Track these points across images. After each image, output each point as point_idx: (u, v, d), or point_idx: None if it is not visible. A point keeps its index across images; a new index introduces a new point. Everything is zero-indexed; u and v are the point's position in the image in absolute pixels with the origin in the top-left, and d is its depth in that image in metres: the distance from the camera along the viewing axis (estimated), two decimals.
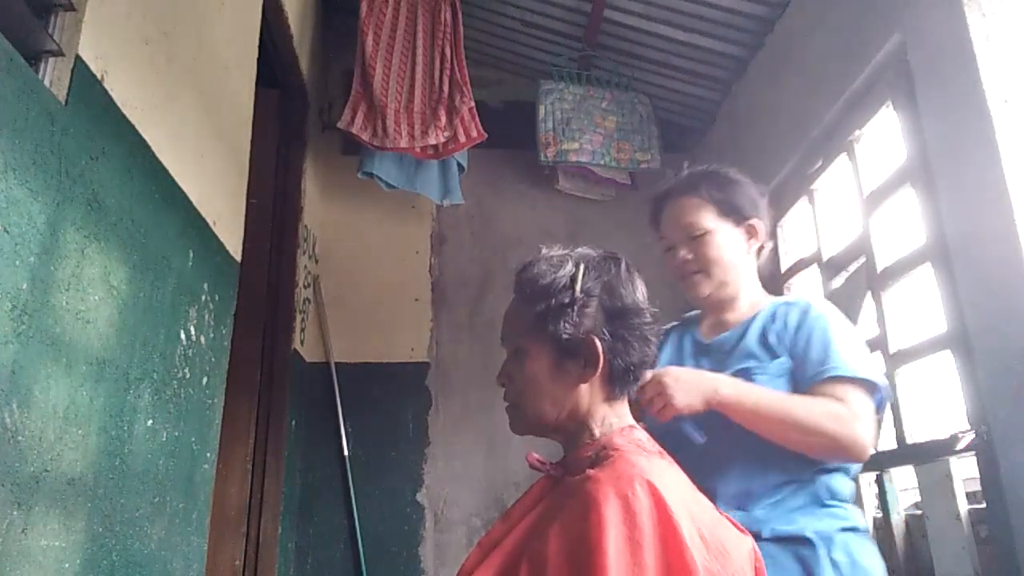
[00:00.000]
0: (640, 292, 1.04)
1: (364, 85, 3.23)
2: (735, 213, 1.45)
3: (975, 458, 1.88)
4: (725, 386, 1.25)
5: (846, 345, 1.33)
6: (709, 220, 1.44)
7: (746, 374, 1.34)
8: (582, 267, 1.01)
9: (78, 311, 1.31)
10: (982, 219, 1.83)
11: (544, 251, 1.07)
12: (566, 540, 0.84)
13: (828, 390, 1.27)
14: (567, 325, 0.98)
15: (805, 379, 1.31)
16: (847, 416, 1.23)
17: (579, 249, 1.07)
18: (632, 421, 1.04)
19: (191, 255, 1.84)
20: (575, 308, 0.99)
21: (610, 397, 1.02)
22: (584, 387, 1.00)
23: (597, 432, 1.00)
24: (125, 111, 1.49)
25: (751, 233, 1.47)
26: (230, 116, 2.18)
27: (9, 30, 1.14)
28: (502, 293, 1.11)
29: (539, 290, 1.01)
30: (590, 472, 0.90)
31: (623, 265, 1.05)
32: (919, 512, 2.13)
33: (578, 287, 0.99)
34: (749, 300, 1.49)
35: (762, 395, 1.26)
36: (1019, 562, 1.70)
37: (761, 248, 1.51)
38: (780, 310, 1.42)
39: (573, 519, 0.85)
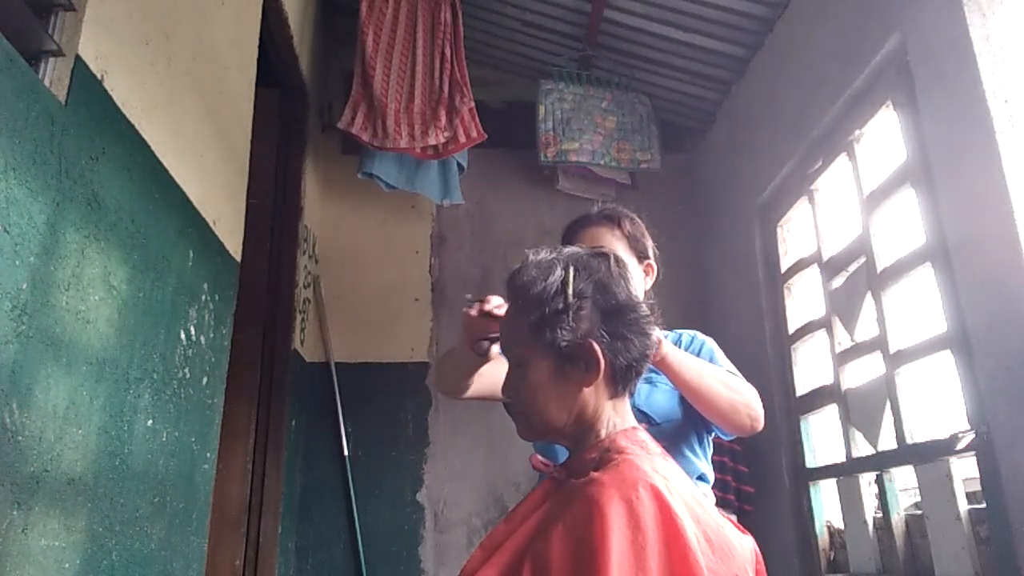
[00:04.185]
0: (632, 286, 1.03)
1: (364, 85, 3.23)
2: (639, 252, 1.60)
3: (975, 458, 1.88)
4: (668, 345, 1.39)
5: (725, 359, 1.58)
6: (621, 252, 1.56)
7: (650, 382, 1.52)
8: (572, 269, 1.00)
9: (78, 311, 1.31)
10: (982, 219, 1.83)
11: (531, 255, 1.04)
12: (570, 543, 0.84)
13: None
14: (564, 332, 0.97)
15: None
16: (752, 391, 1.47)
17: (566, 249, 1.05)
18: (635, 422, 1.04)
19: (191, 255, 1.84)
20: (570, 314, 0.97)
21: (614, 396, 1.01)
22: (588, 390, 0.99)
23: (602, 433, 1.00)
24: (125, 111, 1.49)
25: (648, 272, 1.62)
26: (230, 116, 2.18)
27: (9, 30, 1.14)
28: (502, 293, 1.10)
29: (532, 299, 1.00)
30: (594, 475, 0.90)
31: (612, 261, 1.03)
32: (919, 512, 2.13)
33: (570, 291, 0.98)
34: None
35: (708, 369, 1.44)
36: (1019, 562, 1.70)
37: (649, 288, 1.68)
38: (673, 338, 1.61)
39: (577, 522, 0.85)
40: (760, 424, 1.46)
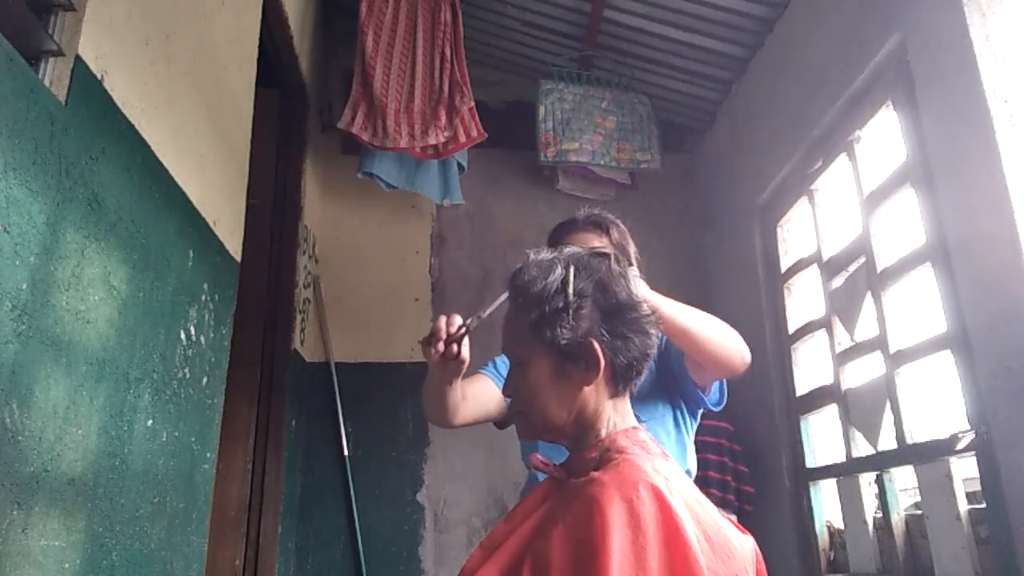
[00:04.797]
0: (634, 285, 1.03)
1: (364, 85, 3.23)
2: (625, 259, 1.60)
3: (975, 458, 1.88)
4: (655, 295, 1.36)
5: None
6: None
7: None
8: (572, 269, 1.00)
9: (78, 311, 1.31)
10: (982, 219, 1.83)
11: (532, 255, 1.05)
12: (570, 542, 0.84)
13: None
14: (564, 330, 0.97)
15: (680, 361, 1.51)
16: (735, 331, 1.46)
17: (567, 250, 1.06)
18: (635, 422, 1.04)
19: (191, 255, 1.84)
20: (570, 312, 0.97)
21: (614, 395, 1.01)
22: (589, 389, 0.99)
23: (602, 433, 1.00)
24: (125, 111, 1.49)
25: None
26: (230, 116, 2.18)
27: (9, 30, 1.14)
28: (502, 293, 1.10)
29: (532, 298, 1.00)
30: (594, 475, 0.90)
31: (612, 260, 1.03)
32: (919, 512, 2.13)
33: (570, 290, 0.98)
34: None
35: (692, 310, 1.40)
36: (1019, 562, 1.70)
37: None
38: None
39: (577, 522, 0.85)
40: (748, 358, 1.45)
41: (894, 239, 2.32)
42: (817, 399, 2.68)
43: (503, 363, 1.64)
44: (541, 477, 1.40)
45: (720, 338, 1.41)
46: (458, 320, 1.21)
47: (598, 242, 1.56)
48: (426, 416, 1.54)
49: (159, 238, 1.65)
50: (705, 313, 1.45)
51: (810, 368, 2.82)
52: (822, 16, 2.60)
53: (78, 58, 1.31)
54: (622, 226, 1.64)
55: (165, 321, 1.68)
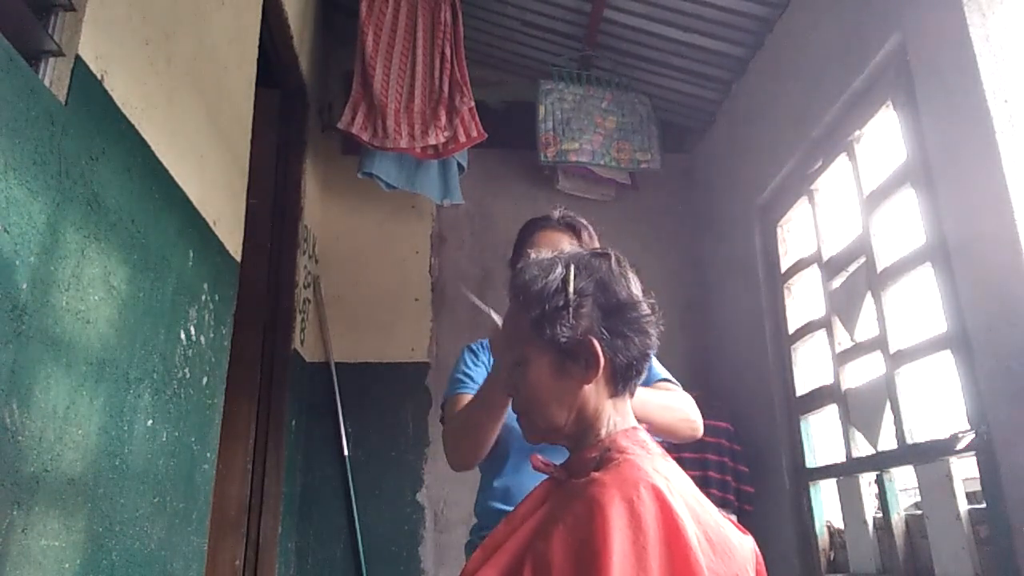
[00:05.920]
0: (635, 285, 1.03)
1: (364, 85, 3.23)
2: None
3: (975, 458, 1.88)
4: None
5: (662, 366, 1.63)
6: None
7: None
8: (572, 268, 1.01)
9: (78, 311, 1.31)
10: (982, 219, 1.83)
11: (533, 255, 1.06)
12: (571, 543, 0.84)
13: (661, 387, 1.58)
14: (564, 328, 0.98)
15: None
16: (688, 402, 1.53)
17: (568, 250, 1.07)
18: (635, 422, 1.04)
19: (191, 255, 1.84)
20: (570, 310, 0.98)
21: (614, 395, 1.01)
22: (589, 387, 0.99)
23: (603, 433, 1.00)
24: (125, 111, 1.49)
25: None
26: (230, 116, 2.18)
27: (9, 30, 1.14)
28: (502, 293, 1.11)
29: (532, 296, 1.01)
30: (595, 475, 0.90)
31: (613, 260, 1.04)
32: (919, 512, 2.13)
33: (571, 288, 0.99)
34: None
35: (649, 397, 1.43)
36: (1019, 562, 1.70)
37: None
38: None
39: (578, 522, 0.85)
40: (700, 431, 1.51)
41: (894, 239, 2.32)
42: (817, 399, 2.68)
43: (473, 363, 1.62)
44: (479, 537, 1.40)
45: (667, 423, 1.46)
46: None
47: (569, 244, 1.55)
48: (460, 461, 1.49)
49: (159, 238, 1.65)
50: (657, 395, 1.48)
51: (810, 368, 2.82)
52: (822, 16, 2.60)
53: (78, 58, 1.31)
54: (594, 234, 1.64)
55: (165, 321, 1.68)
